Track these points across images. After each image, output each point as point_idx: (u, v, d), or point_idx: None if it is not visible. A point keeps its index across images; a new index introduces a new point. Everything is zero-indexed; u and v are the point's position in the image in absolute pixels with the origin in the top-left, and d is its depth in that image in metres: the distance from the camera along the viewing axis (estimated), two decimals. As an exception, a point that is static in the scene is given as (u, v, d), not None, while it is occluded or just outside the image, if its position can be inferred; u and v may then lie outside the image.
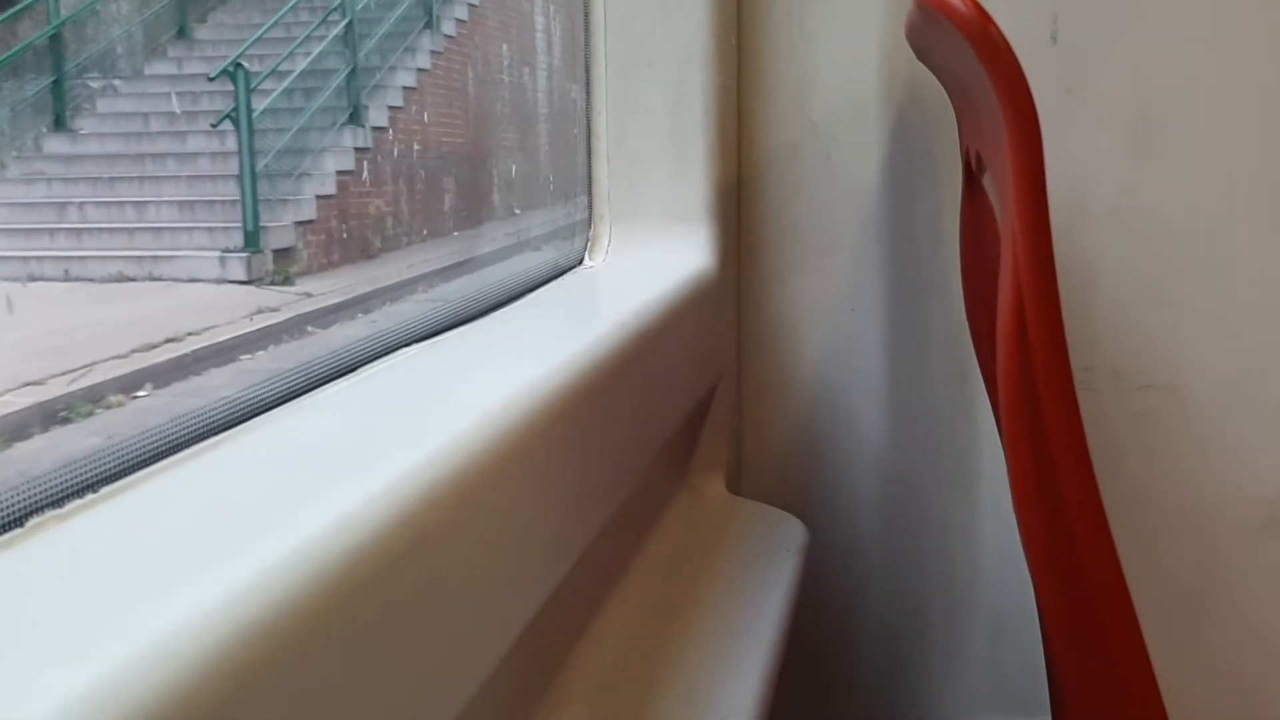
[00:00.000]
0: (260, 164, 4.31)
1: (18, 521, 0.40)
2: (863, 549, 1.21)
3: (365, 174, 4.90)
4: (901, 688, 1.24)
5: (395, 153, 5.20)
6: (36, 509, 0.41)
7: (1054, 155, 0.57)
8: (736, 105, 1.16)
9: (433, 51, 5.56)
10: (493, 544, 0.57)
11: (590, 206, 1.10)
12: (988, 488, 1.17)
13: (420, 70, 5.48)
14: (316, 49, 4.85)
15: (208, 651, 0.35)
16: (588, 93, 1.09)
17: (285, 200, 4.42)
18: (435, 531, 0.49)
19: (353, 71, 4.99)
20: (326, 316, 3.72)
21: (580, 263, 1.10)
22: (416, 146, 5.40)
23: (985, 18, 0.55)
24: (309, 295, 3.94)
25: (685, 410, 1.02)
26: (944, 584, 1.21)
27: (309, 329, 3.53)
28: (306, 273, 4.23)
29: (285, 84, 4.68)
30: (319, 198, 4.56)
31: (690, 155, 1.09)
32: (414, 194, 5.30)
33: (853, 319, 1.18)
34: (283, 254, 4.20)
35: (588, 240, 1.11)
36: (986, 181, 0.78)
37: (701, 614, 0.89)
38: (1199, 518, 1.13)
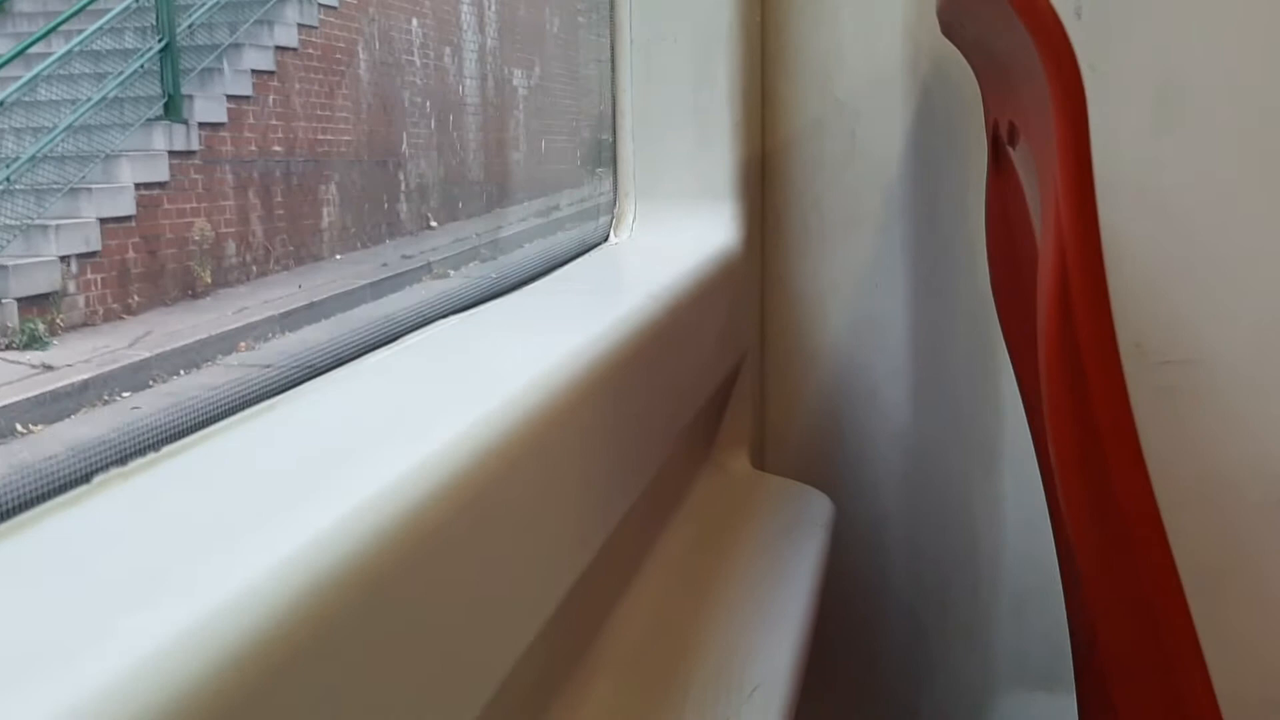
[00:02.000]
0: (-2, 177, 3.11)
1: (84, 478, 0.41)
2: (886, 525, 1.22)
3: (187, 185, 3.72)
4: (924, 663, 1.24)
5: (240, 155, 4.01)
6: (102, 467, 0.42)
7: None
8: (760, 81, 1.16)
9: (302, 25, 4.40)
10: (534, 516, 0.57)
11: (615, 183, 1.11)
12: (1011, 463, 1.17)
13: (282, 49, 4.30)
14: (94, 24, 3.64)
15: (275, 604, 0.36)
16: (612, 68, 1.09)
17: (46, 226, 3.27)
18: (482, 498, 0.49)
19: (166, 50, 3.70)
20: (60, 403, 2.53)
21: (605, 239, 1.10)
22: (277, 147, 4.20)
23: None
24: (47, 369, 2.75)
25: (710, 386, 1.02)
26: (967, 560, 1.21)
27: (20, 428, 2.41)
28: (83, 325, 3.14)
29: (42, 68, 3.49)
30: (106, 221, 3.41)
31: (714, 131, 1.09)
32: (272, 209, 4.04)
33: (877, 295, 1.18)
34: (37, 302, 3.07)
35: (612, 217, 1.11)
36: (1018, 153, 0.78)
37: (731, 588, 0.89)
38: (1219, 493, 1.13)
